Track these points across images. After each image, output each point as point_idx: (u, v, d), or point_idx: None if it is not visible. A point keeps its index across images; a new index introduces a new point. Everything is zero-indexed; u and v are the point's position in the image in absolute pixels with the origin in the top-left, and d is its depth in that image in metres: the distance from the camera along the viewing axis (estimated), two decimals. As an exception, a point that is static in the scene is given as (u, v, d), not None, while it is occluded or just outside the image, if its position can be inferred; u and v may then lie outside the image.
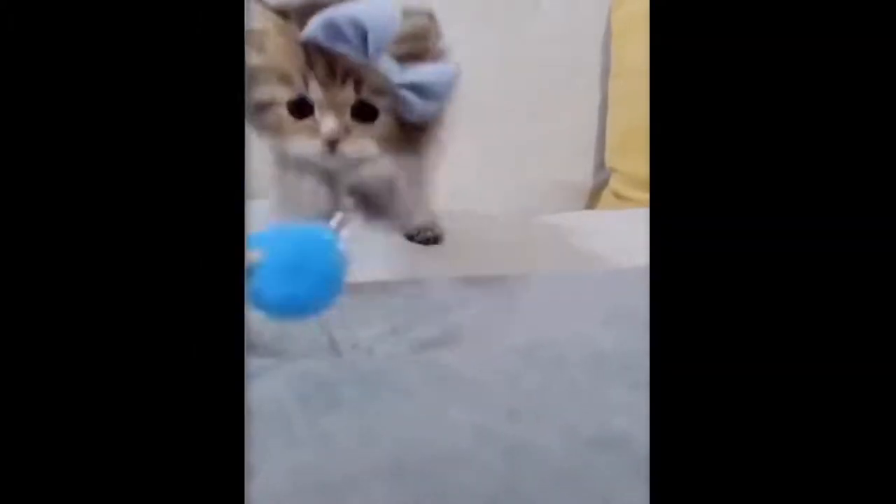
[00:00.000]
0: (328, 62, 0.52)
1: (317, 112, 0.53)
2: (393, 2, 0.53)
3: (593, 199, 1.16)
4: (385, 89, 0.53)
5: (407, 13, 0.53)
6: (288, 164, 0.58)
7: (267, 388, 0.33)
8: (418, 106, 0.53)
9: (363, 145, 0.54)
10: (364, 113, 0.54)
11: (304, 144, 0.54)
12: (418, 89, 0.53)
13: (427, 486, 0.26)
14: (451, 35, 0.56)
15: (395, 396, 0.32)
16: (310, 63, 0.52)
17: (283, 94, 0.54)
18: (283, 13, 0.53)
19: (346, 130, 0.53)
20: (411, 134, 0.55)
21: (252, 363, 0.35)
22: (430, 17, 0.55)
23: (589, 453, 0.28)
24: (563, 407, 0.32)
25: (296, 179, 0.59)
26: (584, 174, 1.16)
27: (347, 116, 0.53)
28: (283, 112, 0.54)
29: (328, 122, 0.53)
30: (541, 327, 0.44)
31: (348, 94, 0.52)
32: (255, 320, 0.45)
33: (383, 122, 0.54)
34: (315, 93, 0.52)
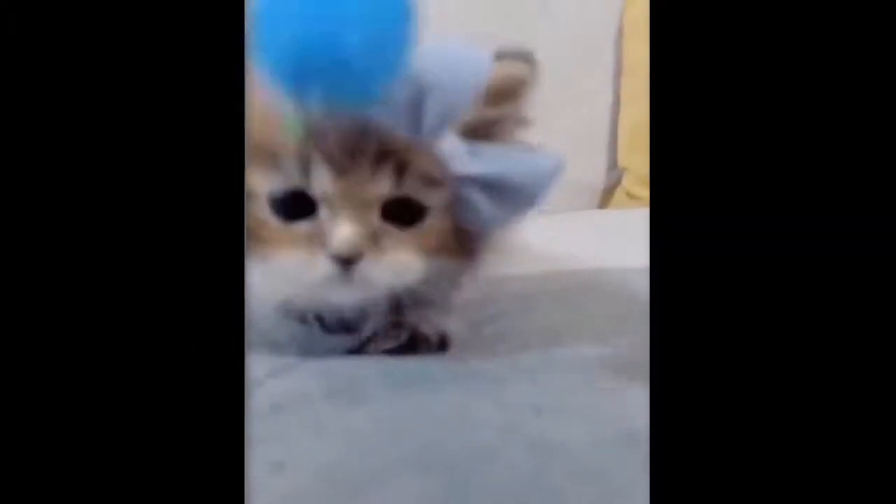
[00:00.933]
0: (351, 135, 0.31)
1: (322, 211, 0.33)
2: (482, 40, 0.33)
3: (606, 199, 1.16)
4: (442, 181, 0.33)
5: (496, 55, 0.34)
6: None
7: (294, 385, 0.33)
8: (488, 211, 0.34)
9: (399, 262, 0.33)
10: (403, 212, 0.34)
11: (299, 264, 0.32)
12: (496, 188, 0.33)
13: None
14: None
15: (420, 392, 0.32)
16: (317, 137, 0.32)
17: (264, 183, 0.33)
18: None
19: (373, 239, 0.33)
20: (466, 240, 0.36)
21: (278, 361, 0.36)
22: (529, 62, 0.35)
23: (612, 450, 0.28)
24: (584, 404, 0.32)
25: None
26: (596, 173, 1.15)
27: (376, 217, 0.33)
28: (262, 211, 0.33)
29: (344, 231, 0.32)
30: (558, 326, 0.45)
31: (382, 187, 0.32)
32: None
33: (433, 225, 0.34)
34: (321, 184, 0.32)
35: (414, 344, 0.38)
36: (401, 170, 0.32)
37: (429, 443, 0.28)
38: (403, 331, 0.38)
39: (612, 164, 1.15)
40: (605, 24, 1.14)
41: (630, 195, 1.11)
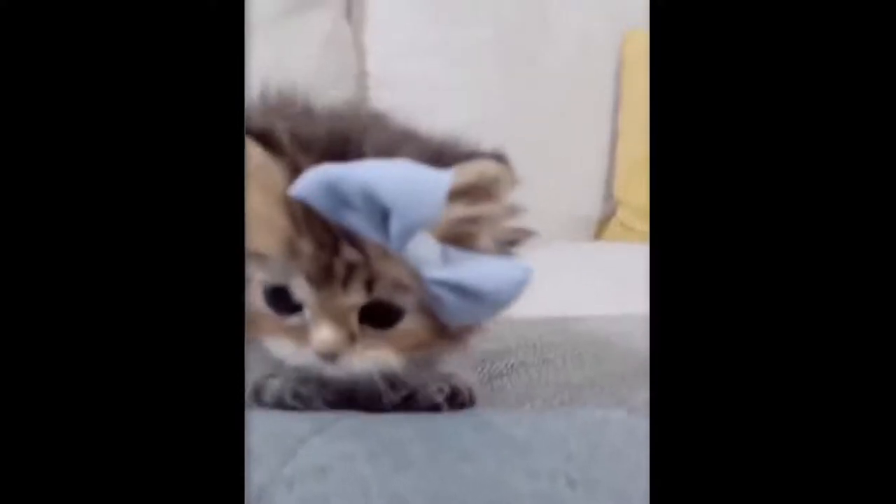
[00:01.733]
0: (326, 243, 0.34)
1: (306, 312, 0.35)
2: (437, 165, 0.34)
3: (601, 230, 1.17)
4: (411, 286, 0.35)
5: (465, 154, 0.36)
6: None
7: (337, 445, 0.31)
8: (460, 311, 0.35)
9: (378, 357, 0.36)
10: (379, 314, 0.36)
11: (289, 350, 0.36)
12: (465, 292, 0.34)
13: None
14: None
15: (457, 459, 0.31)
16: (297, 234, 0.34)
17: (256, 273, 0.35)
18: (270, 141, 0.34)
19: (352, 338, 0.35)
20: (447, 332, 0.37)
21: (317, 417, 0.34)
22: (501, 161, 0.36)
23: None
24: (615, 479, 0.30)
25: None
26: (592, 205, 1.16)
27: (354, 321, 0.35)
28: (258, 301, 0.35)
29: (322, 333, 0.35)
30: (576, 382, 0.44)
31: (355, 297, 0.35)
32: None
33: (410, 325, 0.36)
34: (301, 290, 0.35)
35: (452, 399, 0.38)
36: (371, 281, 0.35)
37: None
38: (446, 385, 0.38)
39: (608, 195, 1.16)
40: (605, 58, 1.15)
41: (625, 226, 1.12)
